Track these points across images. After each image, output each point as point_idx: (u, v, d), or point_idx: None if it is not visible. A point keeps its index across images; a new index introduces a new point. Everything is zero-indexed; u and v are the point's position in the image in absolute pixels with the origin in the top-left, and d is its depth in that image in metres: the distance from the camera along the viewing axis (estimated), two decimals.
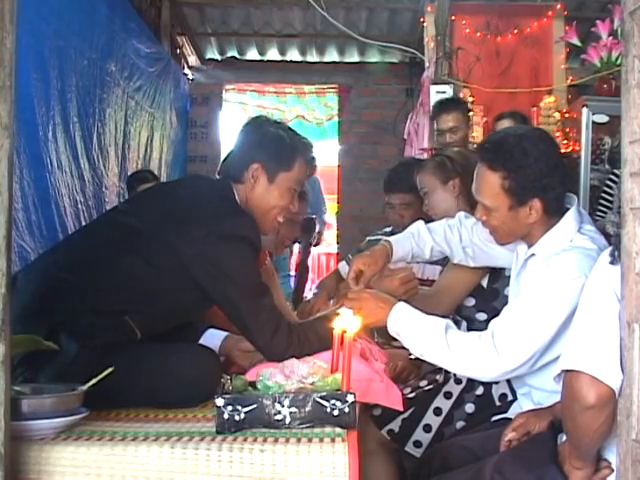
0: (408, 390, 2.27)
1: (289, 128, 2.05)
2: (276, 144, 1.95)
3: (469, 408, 2.14)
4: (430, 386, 2.26)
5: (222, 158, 2.13)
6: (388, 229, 3.21)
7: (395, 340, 1.89)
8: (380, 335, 2.61)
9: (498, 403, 2.11)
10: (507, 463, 1.55)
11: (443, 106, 3.72)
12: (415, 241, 2.12)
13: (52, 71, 3.23)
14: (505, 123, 3.78)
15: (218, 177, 2.06)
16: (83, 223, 3.43)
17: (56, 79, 3.27)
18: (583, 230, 1.75)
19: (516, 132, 1.83)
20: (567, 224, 1.75)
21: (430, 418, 2.15)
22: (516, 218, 1.76)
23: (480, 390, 2.15)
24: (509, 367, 1.68)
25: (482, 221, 1.84)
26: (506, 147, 1.75)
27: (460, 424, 2.13)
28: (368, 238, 3.29)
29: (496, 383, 2.11)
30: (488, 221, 1.81)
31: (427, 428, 2.13)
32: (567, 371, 1.32)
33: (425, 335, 1.74)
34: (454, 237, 2.14)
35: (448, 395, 2.18)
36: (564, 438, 1.48)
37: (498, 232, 1.82)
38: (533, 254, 1.80)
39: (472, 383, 2.16)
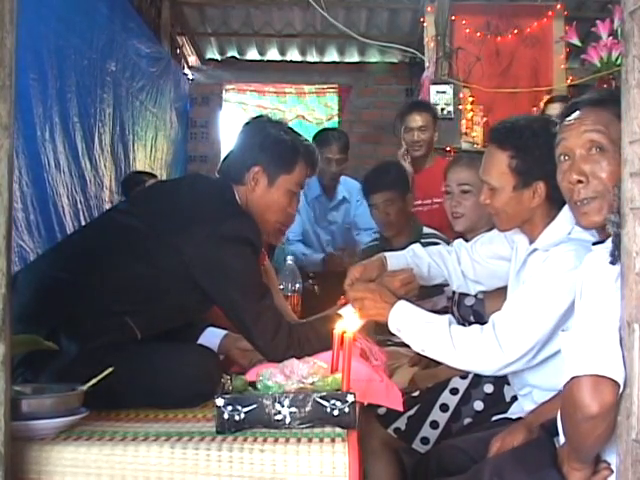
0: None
1: (291, 129, 2.05)
2: (277, 147, 1.95)
3: (478, 406, 2.14)
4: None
5: (222, 158, 2.13)
6: (376, 235, 3.28)
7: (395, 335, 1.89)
8: (379, 332, 2.61)
9: (509, 401, 2.11)
10: (506, 465, 1.54)
11: (415, 106, 3.86)
12: (411, 257, 2.14)
13: (51, 71, 3.22)
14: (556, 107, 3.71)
15: (218, 177, 2.05)
16: (83, 223, 3.43)
17: (55, 79, 3.27)
18: None
19: (527, 117, 1.88)
20: (565, 216, 1.77)
21: (437, 414, 2.15)
22: (520, 200, 1.78)
23: (490, 388, 2.15)
24: (510, 359, 1.69)
25: (485, 204, 1.85)
26: (517, 128, 1.79)
27: (467, 421, 2.13)
28: (362, 248, 3.35)
29: (508, 384, 2.10)
30: (491, 203, 1.83)
31: (434, 424, 2.14)
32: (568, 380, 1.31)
33: (428, 330, 1.76)
34: (451, 258, 2.16)
35: (454, 391, 2.18)
36: (562, 440, 1.47)
37: (500, 215, 1.84)
38: (535, 249, 1.81)
39: (479, 379, 2.16)
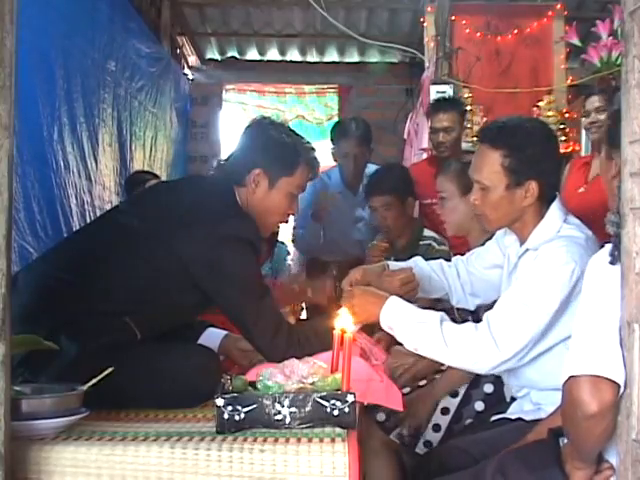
0: (407, 390, 2.27)
1: (292, 131, 2.04)
2: (279, 149, 1.95)
3: (479, 406, 2.15)
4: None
5: (222, 158, 2.13)
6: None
7: None
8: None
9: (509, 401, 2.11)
10: (510, 463, 1.54)
11: (440, 105, 3.63)
12: (414, 269, 2.13)
13: (57, 71, 3.23)
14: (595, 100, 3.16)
15: (218, 177, 2.05)
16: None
17: (61, 79, 3.27)
18: (569, 220, 1.79)
19: (519, 117, 1.89)
20: (554, 215, 1.79)
21: (438, 418, 2.15)
22: (511, 200, 1.78)
23: (490, 388, 2.15)
24: (506, 356, 1.69)
25: (475, 205, 1.85)
26: (509, 127, 1.80)
27: (469, 421, 2.13)
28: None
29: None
30: (482, 203, 1.83)
31: (436, 428, 2.14)
32: (567, 379, 1.31)
33: (420, 328, 1.75)
34: (451, 272, 2.17)
35: (454, 394, 2.18)
36: (565, 440, 1.47)
37: (490, 215, 1.84)
38: (526, 250, 1.81)
39: (477, 380, 2.16)
